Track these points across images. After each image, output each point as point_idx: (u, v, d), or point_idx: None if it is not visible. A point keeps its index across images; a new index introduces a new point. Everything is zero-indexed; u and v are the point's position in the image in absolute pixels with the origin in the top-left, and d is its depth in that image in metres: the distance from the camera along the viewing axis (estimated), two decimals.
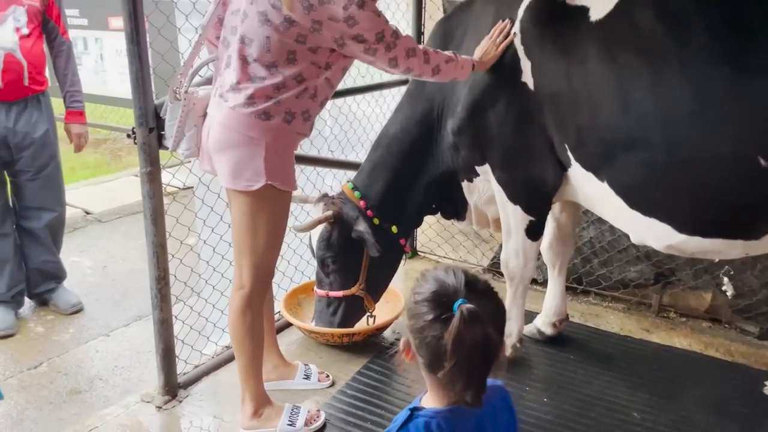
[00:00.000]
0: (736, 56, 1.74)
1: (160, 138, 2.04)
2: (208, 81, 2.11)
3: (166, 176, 2.15)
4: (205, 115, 1.96)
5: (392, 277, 2.73)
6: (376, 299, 2.65)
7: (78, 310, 3.21)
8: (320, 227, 2.62)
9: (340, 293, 2.52)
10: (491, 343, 1.10)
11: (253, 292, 2.03)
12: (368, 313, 2.63)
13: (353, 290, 2.53)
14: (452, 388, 1.14)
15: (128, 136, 2.07)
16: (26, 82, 2.89)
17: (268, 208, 1.95)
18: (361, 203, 2.51)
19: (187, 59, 1.96)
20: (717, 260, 2.80)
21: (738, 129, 1.77)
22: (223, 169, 1.89)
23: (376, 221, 2.51)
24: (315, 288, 2.63)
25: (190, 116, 1.96)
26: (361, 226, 2.43)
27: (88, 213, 4.66)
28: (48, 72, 3.09)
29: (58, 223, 3.17)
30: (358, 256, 2.54)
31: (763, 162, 1.75)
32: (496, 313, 1.14)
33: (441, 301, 1.11)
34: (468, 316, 1.07)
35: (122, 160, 6.61)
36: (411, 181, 2.58)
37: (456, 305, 1.09)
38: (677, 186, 1.91)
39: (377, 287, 2.63)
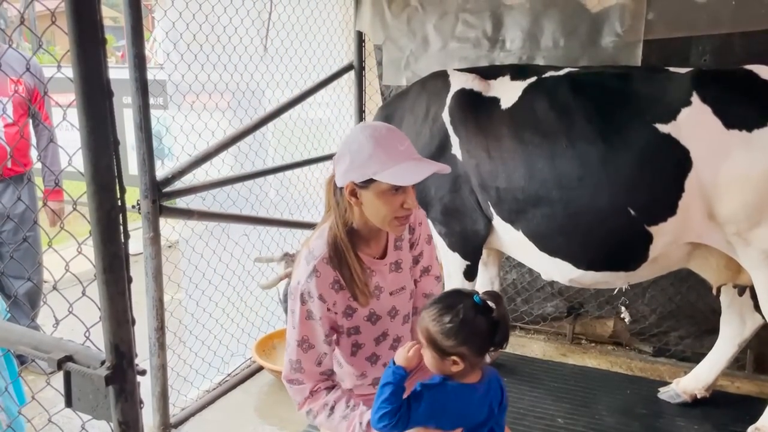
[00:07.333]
0: (604, 135, 2.34)
1: (161, 208, 2.43)
2: None
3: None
4: None
5: None
6: None
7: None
8: (284, 282, 3.03)
9: None
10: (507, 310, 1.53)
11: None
12: None
13: None
14: (480, 358, 1.51)
15: (133, 207, 2.42)
16: (9, 164, 3.17)
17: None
18: None
19: None
20: (615, 292, 3.41)
21: (612, 188, 2.33)
22: None
23: None
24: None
25: None
26: None
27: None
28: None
29: (36, 291, 3.39)
30: None
31: (632, 211, 2.35)
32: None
33: (466, 307, 1.48)
34: (494, 297, 1.50)
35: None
36: None
37: (477, 299, 1.48)
38: (573, 232, 2.45)
39: None
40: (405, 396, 1.54)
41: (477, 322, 1.48)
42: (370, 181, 1.58)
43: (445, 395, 1.54)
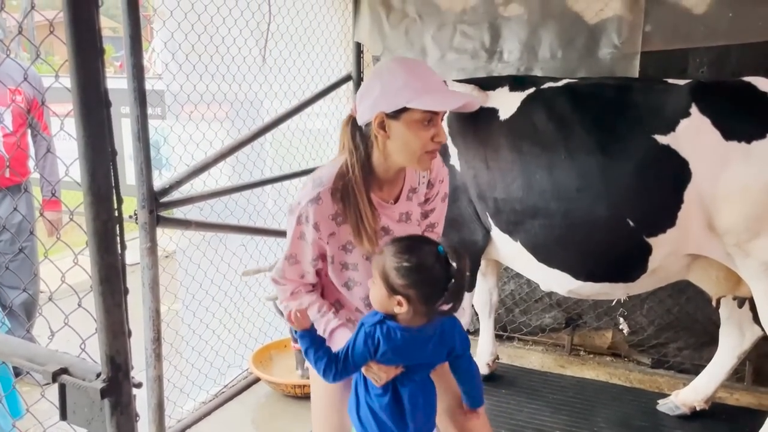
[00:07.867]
0: (603, 146, 2.35)
1: (158, 218, 2.41)
2: None
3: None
4: None
5: None
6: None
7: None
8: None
9: None
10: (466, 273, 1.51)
11: None
12: None
13: None
14: (432, 309, 1.49)
15: (130, 217, 2.41)
16: (7, 174, 3.16)
17: None
18: None
19: None
20: (613, 303, 3.40)
21: (611, 199, 2.34)
22: None
23: None
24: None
25: None
26: None
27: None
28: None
29: (32, 302, 3.36)
30: None
31: (631, 223, 2.35)
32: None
33: (428, 252, 1.49)
34: (455, 250, 1.49)
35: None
36: None
37: (440, 249, 1.48)
38: (572, 243, 2.45)
39: None
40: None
41: (433, 270, 1.48)
42: (402, 111, 1.53)
43: (380, 332, 1.53)
